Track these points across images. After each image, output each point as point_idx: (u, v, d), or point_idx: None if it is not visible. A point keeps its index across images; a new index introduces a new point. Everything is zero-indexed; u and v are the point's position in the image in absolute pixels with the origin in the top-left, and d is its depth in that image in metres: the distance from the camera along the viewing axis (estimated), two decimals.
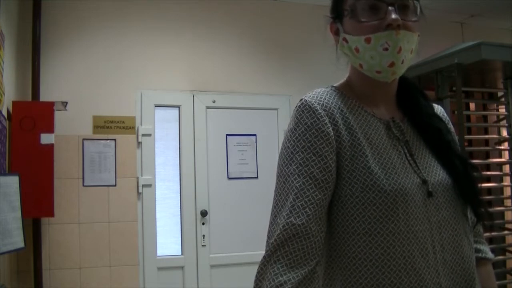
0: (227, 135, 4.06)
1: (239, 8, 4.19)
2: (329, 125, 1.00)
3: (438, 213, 1.00)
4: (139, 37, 3.90)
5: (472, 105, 3.71)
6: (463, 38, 4.53)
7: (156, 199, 3.82)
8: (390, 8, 0.99)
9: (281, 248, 0.93)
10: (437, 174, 1.04)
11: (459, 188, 1.04)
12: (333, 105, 1.04)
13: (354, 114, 1.05)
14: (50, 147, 3.19)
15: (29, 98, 3.50)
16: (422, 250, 0.96)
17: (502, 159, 3.52)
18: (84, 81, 3.73)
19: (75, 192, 3.60)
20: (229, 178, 4.03)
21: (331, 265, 1.01)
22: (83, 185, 3.63)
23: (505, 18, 4.53)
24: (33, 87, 3.51)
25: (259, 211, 3.83)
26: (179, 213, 3.89)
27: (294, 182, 0.97)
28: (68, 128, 3.59)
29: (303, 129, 1.00)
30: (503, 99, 3.42)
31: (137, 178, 3.76)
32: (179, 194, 3.91)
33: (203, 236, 3.88)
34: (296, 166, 0.98)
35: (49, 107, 3.25)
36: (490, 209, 2.18)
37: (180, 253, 3.86)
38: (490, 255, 1.17)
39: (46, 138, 3.17)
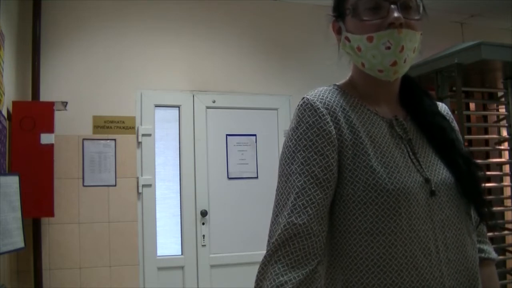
0: (227, 135, 4.05)
1: (239, 8, 4.18)
2: (331, 123, 0.99)
3: (441, 212, 0.99)
4: (139, 37, 3.90)
5: (472, 105, 3.70)
6: (463, 38, 4.53)
7: (156, 199, 3.82)
8: (392, 6, 0.98)
9: (282, 248, 0.92)
10: (440, 173, 1.03)
11: (462, 187, 1.03)
12: (335, 103, 1.03)
13: (356, 112, 1.04)
14: (50, 147, 3.18)
15: (29, 98, 3.49)
16: (424, 249, 0.95)
17: (502, 159, 3.52)
18: (84, 81, 3.73)
19: (75, 192, 3.60)
20: (229, 178, 4.03)
21: (333, 264, 1.00)
22: (83, 185, 3.62)
23: (505, 18, 4.53)
24: (33, 87, 3.51)
25: (259, 211, 3.83)
26: (179, 213, 3.88)
27: (296, 181, 0.96)
28: (68, 128, 3.59)
29: (304, 127, 0.99)
30: (503, 99, 3.42)
31: (137, 178, 3.76)
32: (179, 194, 3.90)
33: (203, 236, 3.87)
34: (298, 165, 0.97)
35: (49, 107, 3.25)
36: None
37: (180, 253, 3.85)
38: (493, 255, 1.16)
39: (46, 138, 3.16)
